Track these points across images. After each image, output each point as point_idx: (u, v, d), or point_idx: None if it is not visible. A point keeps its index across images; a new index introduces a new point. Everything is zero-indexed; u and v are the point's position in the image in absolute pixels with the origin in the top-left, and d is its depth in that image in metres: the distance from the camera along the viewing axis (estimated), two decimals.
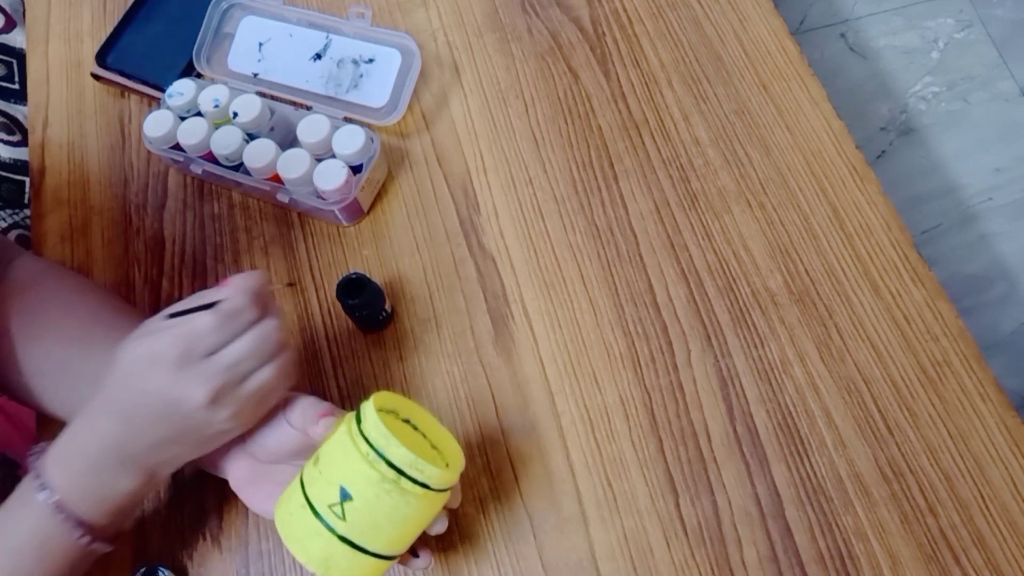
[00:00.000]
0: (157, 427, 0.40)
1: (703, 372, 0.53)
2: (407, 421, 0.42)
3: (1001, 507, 0.48)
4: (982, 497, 0.48)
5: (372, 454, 0.39)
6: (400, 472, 0.38)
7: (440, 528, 0.44)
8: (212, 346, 0.39)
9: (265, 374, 0.41)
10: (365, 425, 0.39)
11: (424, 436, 0.42)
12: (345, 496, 0.38)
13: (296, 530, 0.39)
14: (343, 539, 0.39)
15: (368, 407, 0.40)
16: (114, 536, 0.43)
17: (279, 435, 0.43)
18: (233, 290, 0.40)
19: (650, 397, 0.53)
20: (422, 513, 0.40)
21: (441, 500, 0.41)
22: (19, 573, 0.40)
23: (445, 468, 0.40)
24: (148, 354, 0.39)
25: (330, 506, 0.39)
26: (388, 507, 0.39)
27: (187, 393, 0.38)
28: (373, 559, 0.40)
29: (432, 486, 0.39)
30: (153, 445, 0.41)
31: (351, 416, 0.41)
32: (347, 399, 0.55)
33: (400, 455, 0.38)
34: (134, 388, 0.40)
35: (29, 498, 0.40)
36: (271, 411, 0.44)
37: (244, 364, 0.40)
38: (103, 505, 0.41)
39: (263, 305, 0.41)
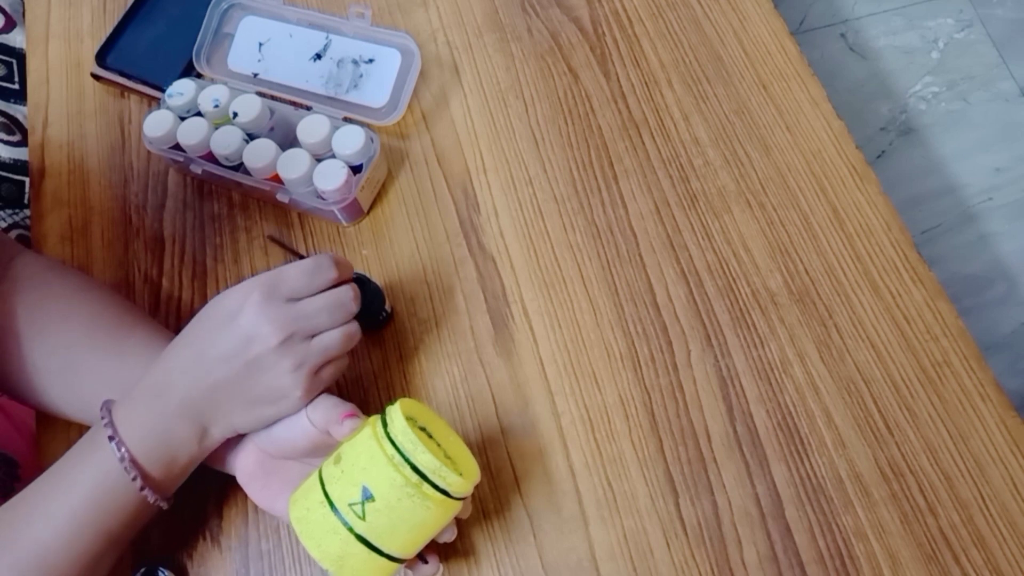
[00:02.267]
0: (223, 366, 0.42)
1: (703, 372, 0.53)
2: (423, 429, 0.43)
3: (1001, 507, 0.48)
4: (982, 497, 0.48)
5: (398, 457, 0.39)
6: (424, 477, 0.39)
7: (449, 537, 0.45)
8: (295, 290, 0.42)
9: (333, 337, 0.43)
10: (392, 429, 0.40)
11: (439, 445, 0.43)
12: (367, 496, 0.39)
13: (313, 527, 0.40)
14: (360, 538, 0.39)
15: (396, 411, 0.41)
16: (169, 495, 0.44)
17: (295, 430, 0.44)
18: (319, 255, 0.44)
19: (650, 397, 0.53)
20: (437, 519, 0.41)
21: (455, 508, 0.42)
22: (78, 519, 0.41)
23: (461, 477, 0.40)
24: (237, 292, 0.42)
25: (351, 505, 0.39)
26: (408, 510, 0.39)
27: (261, 330, 0.41)
28: (386, 560, 0.40)
29: (452, 493, 0.40)
30: (214, 387, 0.42)
31: (376, 419, 0.42)
32: (347, 399, 0.55)
33: (426, 461, 0.39)
34: (216, 320, 0.42)
35: (95, 444, 0.42)
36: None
37: (318, 318, 0.43)
38: (160, 453, 0.42)
39: (345, 273, 0.45)
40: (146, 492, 0.42)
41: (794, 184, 0.58)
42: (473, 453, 0.52)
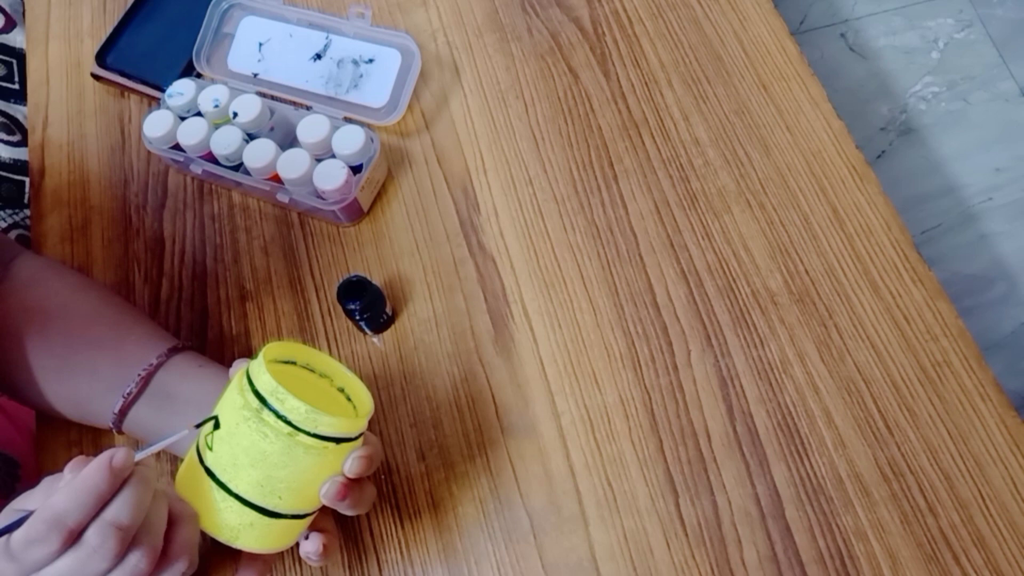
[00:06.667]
0: None
1: (703, 372, 0.53)
2: (311, 369, 0.42)
3: (1001, 507, 0.48)
4: (982, 497, 0.48)
5: (245, 381, 0.38)
6: (263, 402, 0.37)
7: (331, 495, 0.39)
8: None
9: None
10: (251, 363, 0.39)
11: (341, 391, 0.42)
12: (216, 425, 0.38)
13: (182, 468, 0.39)
14: (209, 472, 0.37)
15: (265, 349, 0.39)
16: None
17: None
18: (42, 507, 0.31)
19: (650, 397, 0.53)
20: (290, 459, 0.37)
21: (312, 449, 0.38)
22: None
23: (306, 405, 0.36)
24: None
25: (206, 437, 0.38)
26: (247, 440, 0.37)
27: None
28: (236, 502, 0.37)
29: (293, 421, 0.37)
30: None
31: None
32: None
33: (264, 382, 0.37)
34: None
35: None
36: None
37: None
38: None
39: (70, 531, 0.31)
40: None
41: (794, 184, 0.58)
42: (473, 453, 0.52)
